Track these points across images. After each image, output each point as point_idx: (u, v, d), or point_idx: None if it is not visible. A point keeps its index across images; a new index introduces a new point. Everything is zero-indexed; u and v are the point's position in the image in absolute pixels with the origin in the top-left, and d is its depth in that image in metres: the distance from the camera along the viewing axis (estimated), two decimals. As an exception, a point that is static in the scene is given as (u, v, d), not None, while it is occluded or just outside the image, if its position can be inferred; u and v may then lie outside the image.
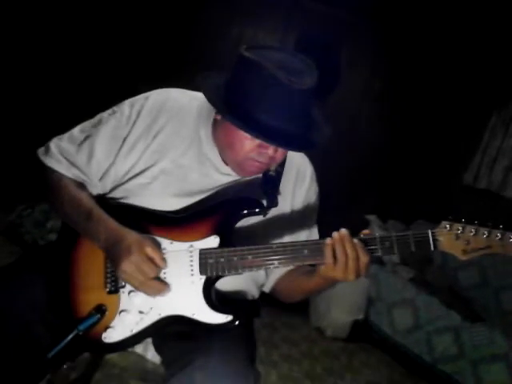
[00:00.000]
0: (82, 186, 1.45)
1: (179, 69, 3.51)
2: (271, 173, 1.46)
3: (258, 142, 1.31)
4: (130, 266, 1.26)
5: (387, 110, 4.18)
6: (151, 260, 1.28)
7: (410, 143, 4.21)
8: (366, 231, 1.30)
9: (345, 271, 1.25)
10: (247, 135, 1.31)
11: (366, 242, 1.27)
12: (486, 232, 1.21)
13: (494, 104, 3.96)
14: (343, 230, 1.26)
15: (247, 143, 1.32)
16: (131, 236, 1.30)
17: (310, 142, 1.35)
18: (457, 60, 3.99)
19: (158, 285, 1.30)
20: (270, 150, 1.33)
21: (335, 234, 1.26)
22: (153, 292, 1.31)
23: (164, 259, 1.32)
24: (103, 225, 1.33)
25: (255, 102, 1.27)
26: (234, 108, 1.29)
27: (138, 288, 1.30)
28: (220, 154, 1.43)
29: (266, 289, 1.56)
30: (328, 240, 1.26)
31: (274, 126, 1.27)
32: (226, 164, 1.43)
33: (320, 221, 1.59)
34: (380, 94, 4.16)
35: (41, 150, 1.47)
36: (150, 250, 1.28)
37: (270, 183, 1.45)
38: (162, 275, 1.33)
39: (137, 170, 1.43)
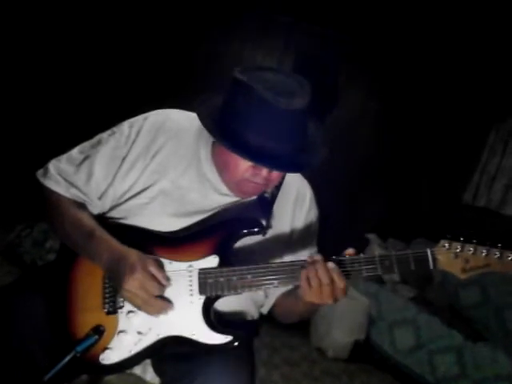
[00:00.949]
0: (82, 206, 1.45)
1: (179, 89, 3.54)
2: (266, 195, 1.46)
3: (251, 162, 1.32)
4: (133, 284, 1.25)
5: (385, 129, 4.20)
6: (154, 278, 1.28)
7: (409, 162, 4.23)
8: (350, 251, 1.30)
9: (319, 296, 1.26)
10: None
11: (342, 264, 1.27)
12: (484, 250, 1.21)
13: (492, 121, 3.98)
14: (316, 255, 1.28)
15: (241, 164, 1.33)
16: (134, 254, 1.30)
17: (301, 164, 1.36)
18: (454, 78, 4.03)
19: (160, 303, 1.30)
20: (264, 170, 1.33)
21: (308, 259, 1.28)
22: (155, 311, 1.30)
23: (167, 277, 1.31)
24: (105, 244, 1.33)
25: (244, 123, 1.28)
26: (225, 130, 1.30)
27: (140, 307, 1.29)
28: (219, 174, 1.44)
29: (264, 311, 1.56)
30: (302, 270, 1.27)
31: (263, 147, 1.27)
32: (225, 184, 1.44)
33: (320, 240, 1.59)
34: (377, 113, 4.18)
35: (40, 172, 1.47)
36: (153, 268, 1.28)
37: (263, 205, 1.45)
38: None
39: (135, 190, 1.43)
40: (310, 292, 1.26)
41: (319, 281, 1.24)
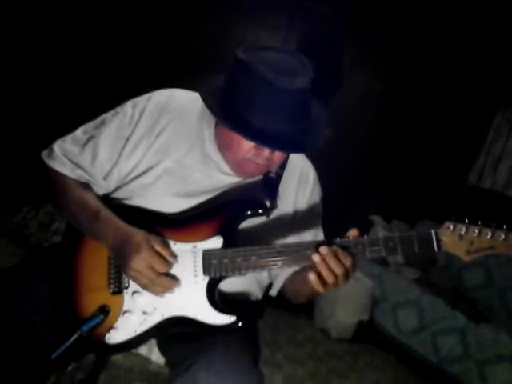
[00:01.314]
0: (87, 186, 1.45)
1: (182, 70, 3.51)
2: (271, 175, 1.46)
3: (253, 143, 1.32)
4: (139, 263, 1.26)
5: (390, 110, 4.18)
6: (160, 256, 1.28)
7: (414, 143, 4.21)
8: (353, 232, 1.29)
9: (334, 286, 1.25)
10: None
11: (346, 246, 1.26)
12: (489, 232, 1.20)
13: (498, 104, 3.94)
14: (323, 248, 1.24)
15: (243, 144, 1.32)
16: (139, 233, 1.30)
17: (303, 144, 1.35)
18: (459, 60, 3.99)
19: (167, 282, 1.30)
20: (266, 151, 1.32)
21: (316, 259, 1.23)
22: (161, 289, 1.31)
23: (173, 254, 1.32)
24: (111, 224, 1.34)
25: (246, 104, 1.27)
26: (227, 110, 1.29)
27: (146, 285, 1.30)
28: (222, 154, 1.43)
29: (273, 293, 1.56)
30: (310, 272, 1.23)
31: (264, 126, 1.27)
32: (228, 164, 1.43)
33: (324, 222, 1.59)
34: (382, 93, 4.15)
35: (45, 153, 1.47)
36: (159, 246, 1.28)
37: (269, 185, 1.45)
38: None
39: (140, 169, 1.43)
40: (324, 288, 1.24)
41: (334, 275, 1.22)
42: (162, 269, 1.28)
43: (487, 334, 2.94)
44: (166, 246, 1.32)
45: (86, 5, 3.74)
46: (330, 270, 1.22)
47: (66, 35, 3.73)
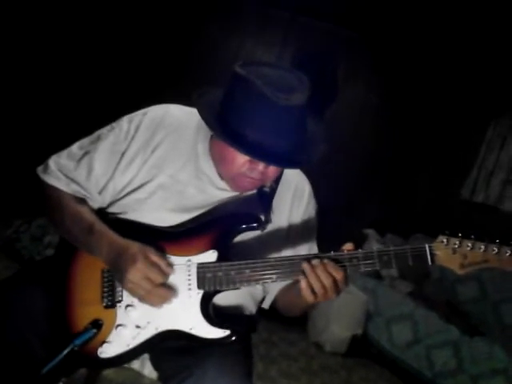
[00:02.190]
0: (82, 201, 1.46)
1: (178, 83, 3.53)
2: (265, 189, 1.46)
3: (248, 157, 1.32)
4: (136, 274, 1.25)
5: (384, 124, 4.21)
6: (156, 266, 1.28)
7: (408, 158, 4.23)
8: (348, 246, 1.30)
9: (324, 297, 1.26)
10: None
11: (340, 259, 1.27)
12: (482, 246, 1.21)
13: (489, 117, 3.98)
14: (314, 261, 1.26)
15: (238, 158, 1.33)
16: (134, 245, 1.30)
17: (297, 159, 1.36)
18: (452, 75, 4.03)
19: (164, 292, 1.30)
20: (261, 165, 1.33)
21: (306, 267, 1.26)
22: (158, 300, 1.30)
23: (169, 264, 1.31)
24: (105, 238, 1.33)
25: (243, 118, 1.28)
26: (224, 124, 1.30)
27: (143, 297, 1.29)
28: (216, 169, 1.44)
29: (266, 305, 1.56)
30: (301, 278, 1.26)
31: (260, 142, 1.27)
32: (222, 179, 1.44)
33: (319, 235, 1.59)
34: (377, 108, 4.18)
35: (40, 168, 1.48)
36: (154, 257, 1.28)
37: (263, 199, 1.45)
38: None
39: (135, 184, 1.43)
40: (314, 297, 1.26)
41: (323, 285, 1.24)
42: (158, 279, 1.28)
43: (481, 348, 2.94)
44: (162, 256, 1.31)
45: (84, 11, 3.76)
46: (319, 279, 1.24)
47: (64, 42, 3.75)
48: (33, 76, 3.71)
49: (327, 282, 1.24)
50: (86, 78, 3.78)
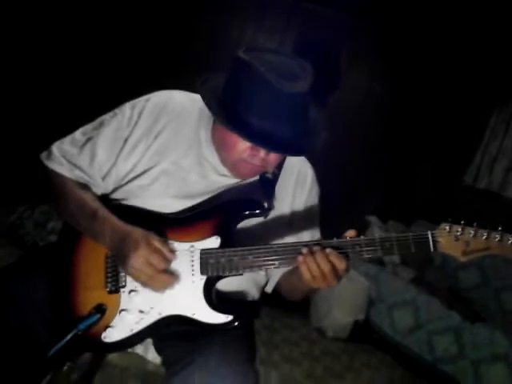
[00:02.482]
0: (85, 186, 1.46)
1: (180, 70, 3.51)
2: (268, 175, 1.46)
3: (249, 143, 1.32)
4: (138, 260, 1.26)
5: (387, 110, 4.18)
6: (159, 252, 1.28)
7: (410, 144, 4.21)
8: (351, 233, 1.30)
9: (323, 282, 1.26)
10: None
11: (343, 246, 1.27)
12: (485, 233, 1.21)
13: (494, 103, 3.96)
14: (314, 247, 1.26)
15: (239, 144, 1.33)
16: (137, 231, 1.30)
17: (300, 147, 1.36)
18: (456, 61, 4.00)
19: (166, 278, 1.30)
20: (262, 152, 1.33)
21: (305, 251, 1.26)
22: (161, 286, 1.31)
23: (172, 250, 1.32)
24: (108, 224, 1.34)
25: (246, 104, 1.28)
26: (226, 110, 1.29)
27: (146, 282, 1.30)
28: (218, 155, 1.44)
29: (269, 289, 1.56)
30: (300, 258, 1.26)
31: (263, 128, 1.27)
32: (225, 166, 1.44)
33: (321, 222, 1.60)
34: (379, 94, 4.16)
35: (44, 154, 1.48)
36: (157, 243, 1.29)
37: (266, 185, 1.46)
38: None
39: (138, 171, 1.44)
40: (314, 281, 1.26)
41: (321, 270, 1.25)
42: (161, 265, 1.28)
43: (482, 334, 2.95)
44: (165, 242, 1.32)
45: (84, 3, 3.73)
46: (317, 265, 1.24)
47: (64, 33, 3.72)
48: (34, 63, 3.70)
49: (326, 267, 1.24)
50: (89, 65, 3.76)
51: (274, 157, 1.37)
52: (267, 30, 3.99)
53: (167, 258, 1.30)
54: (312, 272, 1.25)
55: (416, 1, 3.72)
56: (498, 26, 3.67)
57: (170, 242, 1.36)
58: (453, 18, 3.76)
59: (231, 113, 1.28)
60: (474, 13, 3.62)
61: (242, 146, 1.33)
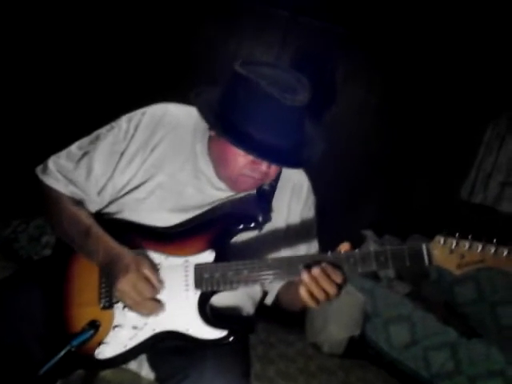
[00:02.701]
0: (80, 203, 1.46)
1: (177, 83, 3.53)
2: (265, 187, 1.46)
3: (251, 157, 1.32)
4: (126, 285, 1.26)
5: (383, 124, 4.20)
6: (148, 280, 1.28)
7: (406, 158, 4.23)
8: (345, 246, 1.29)
9: (325, 302, 1.24)
10: (240, 151, 1.31)
11: (337, 260, 1.25)
12: (480, 246, 1.21)
13: (488, 118, 3.98)
14: (314, 270, 1.22)
15: (240, 159, 1.33)
16: (129, 255, 1.30)
17: (302, 159, 1.36)
18: (451, 75, 4.03)
19: (152, 305, 1.30)
20: (264, 165, 1.33)
21: (305, 277, 1.23)
22: (146, 312, 1.31)
23: (161, 280, 1.32)
24: (101, 242, 1.34)
25: (248, 118, 1.28)
26: (227, 124, 1.29)
27: (132, 307, 1.30)
28: (214, 169, 1.43)
29: (268, 301, 1.55)
30: (301, 289, 1.23)
31: (266, 142, 1.27)
32: (220, 179, 1.44)
33: (317, 234, 1.59)
34: (376, 108, 4.18)
35: (39, 169, 1.48)
36: (147, 271, 1.28)
37: (263, 198, 1.45)
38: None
39: (134, 184, 1.43)
40: (314, 302, 1.24)
41: (326, 293, 1.22)
42: (147, 293, 1.28)
43: (479, 350, 2.94)
44: (155, 270, 1.32)
45: (84, 10, 3.75)
46: (322, 288, 1.22)
47: (62, 46, 3.74)
48: (32, 75, 3.71)
49: (331, 289, 1.22)
50: (85, 77, 3.77)
51: (274, 169, 1.37)
52: (264, 43, 4.02)
53: (155, 286, 1.29)
54: (314, 294, 1.23)
55: (411, 16, 3.76)
56: (492, 41, 3.71)
57: (164, 256, 1.35)
58: (447, 33, 3.80)
59: (232, 127, 1.28)
60: (468, 27, 3.66)
61: (243, 160, 1.33)
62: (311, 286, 1.22)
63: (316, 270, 1.22)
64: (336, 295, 1.24)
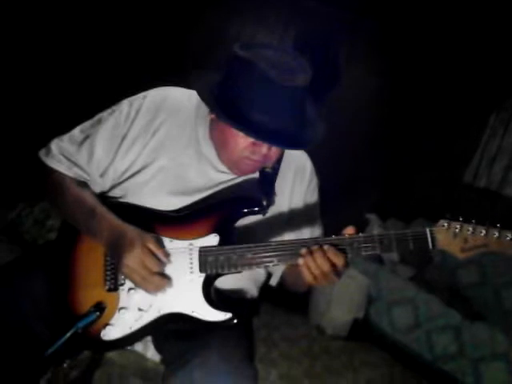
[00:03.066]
0: (84, 184, 1.46)
1: (177, 67, 3.50)
2: (268, 170, 1.46)
3: (251, 140, 1.32)
4: (133, 261, 1.26)
5: (386, 107, 4.18)
6: (153, 254, 1.29)
7: (410, 142, 4.21)
8: (349, 230, 1.30)
9: (325, 280, 1.27)
10: (240, 133, 1.31)
11: (341, 243, 1.27)
12: (483, 230, 1.21)
13: (493, 102, 3.96)
14: (313, 246, 1.27)
15: (241, 141, 1.33)
16: (134, 231, 1.30)
17: (302, 140, 1.36)
18: (456, 58, 3.99)
19: (159, 280, 1.30)
20: (264, 147, 1.33)
21: (304, 252, 1.27)
22: (153, 288, 1.31)
23: (167, 254, 1.32)
24: (106, 222, 1.34)
25: (247, 100, 1.28)
26: (227, 106, 1.29)
27: (139, 283, 1.30)
28: (216, 152, 1.43)
29: (273, 282, 1.56)
30: (300, 260, 1.27)
31: (265, 123, 1.27)
32: (223, 162, 1.44)
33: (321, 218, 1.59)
34: (379, 91, 4.16)
35: (42, 152, 1.48)
36: (152, 245, 1.29)
37: (266, 181, 1.45)
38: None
39: (135, 168, 1.43)
40: (314, 280, 1.27)
41: (321, 269, 1.25)
42: (154, 267, 1.28)
43: (482, 332, 2.95)
44: (160, 244, 1.32)
45: (82, 4, 3.73)
46: (317, 264, 1.25)
47: (63, 31, 3.72)
48: (33, 60, 3.70)
49: (325, 266, 1.25)
50: (87, 62, 3.76)
51: (275, 152, 1.37)
52: (267, 27, 3.98)
53: (161, 260, 1.30)
54: (312, 271, 1.26)
55: (414, 1, 3.72)
56: (498, 26, 3.67)
57: (169, 239, 1.36)
58: (452, 17, 3.76)
59: (232, 109, 1.28)
60: (473, 13, 3.62)
61: (244, 142, 1.33)
62: (308, 260, 1.26)
63: (314, 246, 1.26)
64: (333, 274, 1.26)
